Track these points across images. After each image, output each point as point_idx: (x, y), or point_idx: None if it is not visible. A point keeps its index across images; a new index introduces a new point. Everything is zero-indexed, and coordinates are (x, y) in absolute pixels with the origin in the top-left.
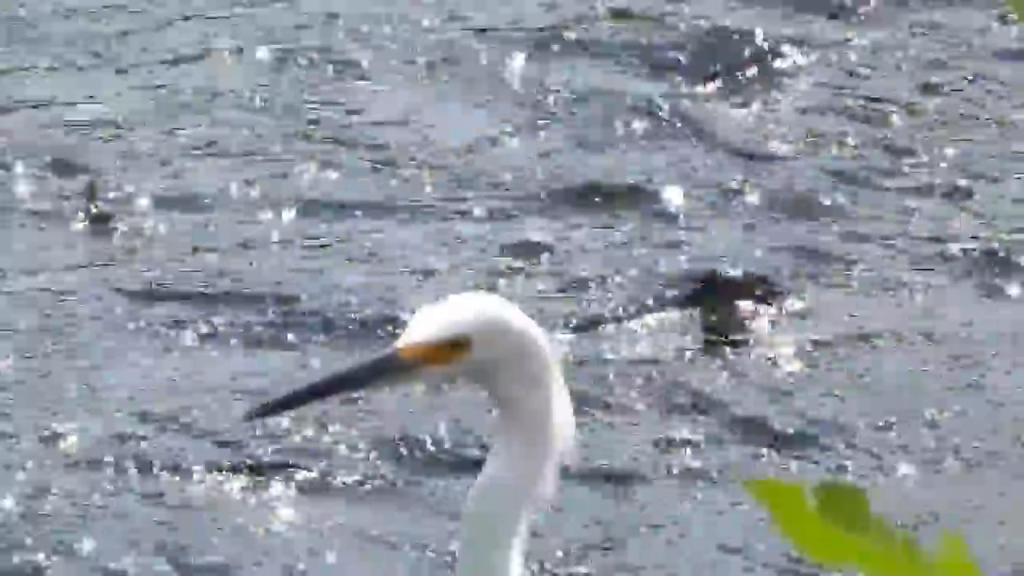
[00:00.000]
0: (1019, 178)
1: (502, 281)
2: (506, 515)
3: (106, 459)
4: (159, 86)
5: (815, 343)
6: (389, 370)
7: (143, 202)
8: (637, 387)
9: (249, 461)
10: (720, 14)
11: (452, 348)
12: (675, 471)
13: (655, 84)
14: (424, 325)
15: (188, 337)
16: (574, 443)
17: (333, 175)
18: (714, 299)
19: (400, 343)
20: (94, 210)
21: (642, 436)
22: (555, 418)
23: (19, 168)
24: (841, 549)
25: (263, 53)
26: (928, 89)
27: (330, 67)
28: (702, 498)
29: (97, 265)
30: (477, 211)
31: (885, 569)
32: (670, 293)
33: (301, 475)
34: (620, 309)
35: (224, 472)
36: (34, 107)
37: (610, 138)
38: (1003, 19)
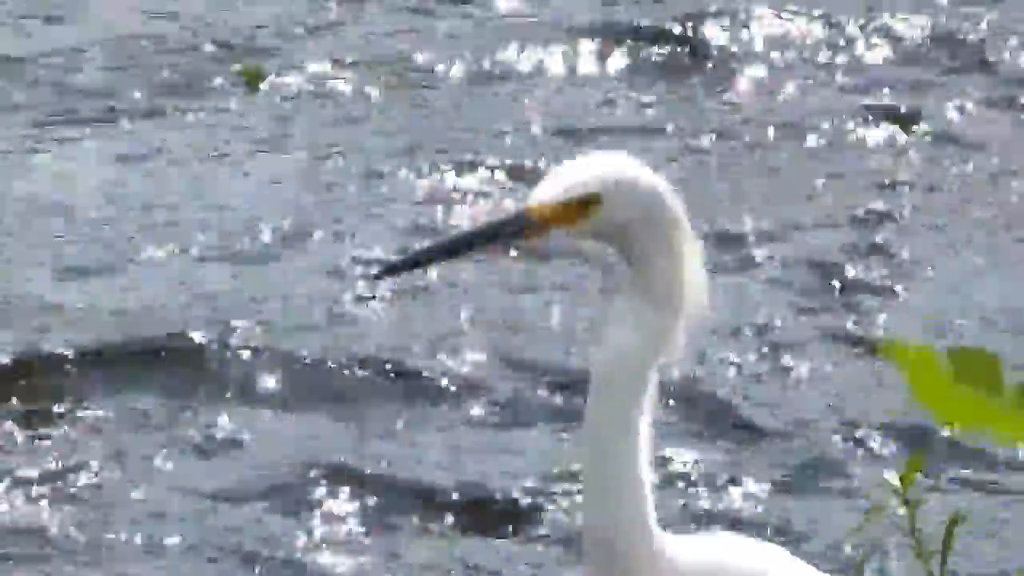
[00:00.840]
0: None
1: None
2: (633, 379)
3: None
4: None
5: None
6: (518, 229)
7: None
8: None
9: None
10: None
11: (581, 207)
12: None
13: None
14: (553, 184)
15: None
16: (706, 304)
17: None
18: None
19: (529, 201)
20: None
21: None
22: (685, 278)
23: None
24: (973, 411)
25: None
26: None
27: None
28: None
29: None
30: None
31: (1017, 432)
32: None
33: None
34: None
35: None
36: None
37: None
38: None
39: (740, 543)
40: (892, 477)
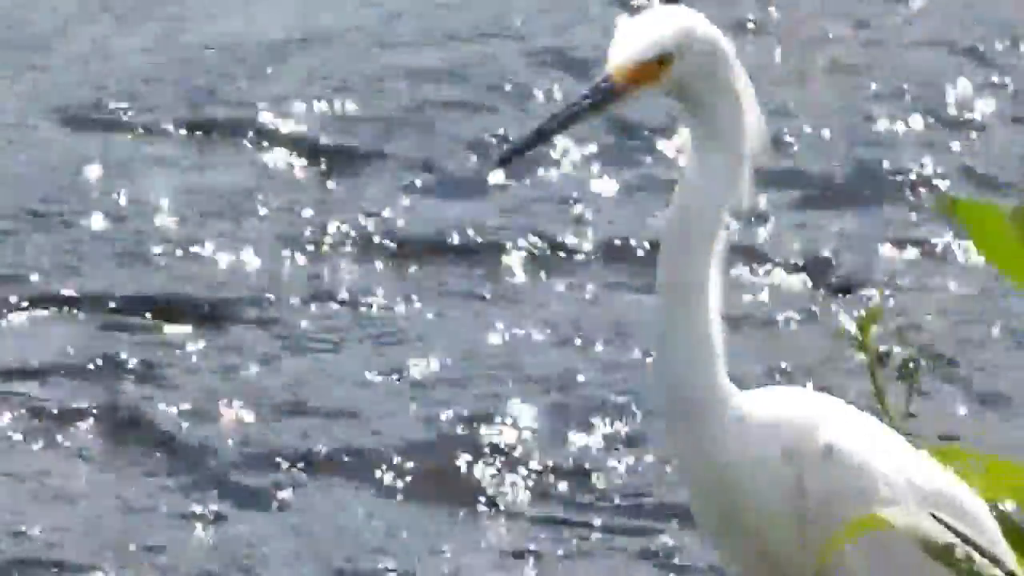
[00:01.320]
0: None
1: None
2: (705, 217)
3: None
4: None
5: None
6: (606, 97)
7: None
8: None
9: None
10: None
11: (659, 64)
12: None
13: None
14: (629, 45)
15: None
16: (766, 143)
17: None
18: None
19: (610, 66)
20: None
21: None
22: (747, 119)
23: None
24: None
25: None
26: None
27: None
28: None
29: None
30: None
31: None
32: None
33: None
34: None
35: None
36: None
37: None
38: None
39: (806, 397)
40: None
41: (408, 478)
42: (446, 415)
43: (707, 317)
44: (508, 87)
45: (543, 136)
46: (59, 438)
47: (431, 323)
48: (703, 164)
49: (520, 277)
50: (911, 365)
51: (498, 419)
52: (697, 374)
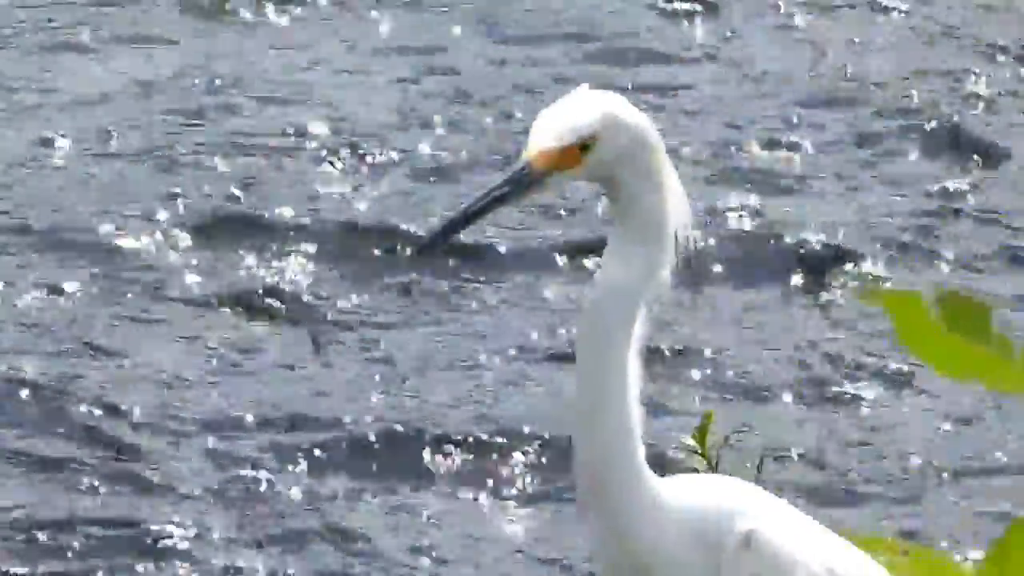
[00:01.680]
0: None
1: None
2: (622, 307)
3: None
4: None
5: None
6: (524, 184)
7: None
8: None
9: None
10: None
11: (580, 149)
12: None
13: None
14: (549, 131)
15: None
16: (690, 228)
17: None
18: None
19: (530, 153)
20: None
21: None
22: (670, 208)
23: None
24: (962, 359)
25: None
26: None
27: None
28: None
29: None
30: None
31: (1006, 381)
32: None
33: None
34: None
35: None
36: None
37: None
38: None
39: (725, 483)
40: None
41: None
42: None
43: (626, 402)
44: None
45: (461, 224)
46: None
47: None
48: (623, 253)
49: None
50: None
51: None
52: (615, 458)
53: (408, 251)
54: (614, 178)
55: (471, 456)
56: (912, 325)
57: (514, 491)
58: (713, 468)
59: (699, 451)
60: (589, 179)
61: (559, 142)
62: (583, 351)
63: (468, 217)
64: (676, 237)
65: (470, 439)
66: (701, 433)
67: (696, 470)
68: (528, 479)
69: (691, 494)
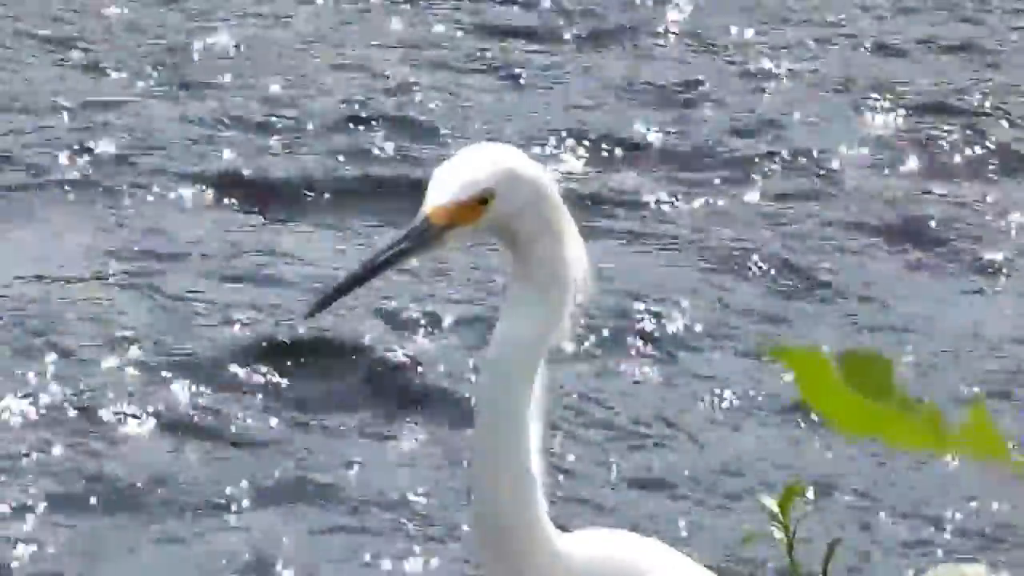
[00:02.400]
0: None
1: None
2: (525, 363)
3: None
4: None
5: None
6: (424, 239)
7: None
8: None
9: None
10: None
11: (478, 203)
12: None
13: None
14: (447, 186)
15: None
16: (587, 282)
17: None
18: None
19: (427, 208)
20: None
21: None
22: (568, 259)
23: None
24: (865, 417)
25: None
26: None
27: None
28: None
29: None
30: None
31: (909, 438)
32: None
33: None
34: None
35: None
36: None
37: None
38: None
39: (628, 540)
40: (770, 502)
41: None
42: None
43: (526, 456)
44: None
45: (358, 282)
46: None
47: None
48: (522, 305)
49: None
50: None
51: None
52: (516, 513)
53: (295, 314)
54: (513, 230)
55: None
56: (815, 383)
57: None
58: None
59: (780, 520)
60: (488, 232)
61: (457, 197)
62: (484, 406)
63: (365, 274)
64: (576, 286)
65: None
66: (784, 504)
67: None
68: None
69: (592, 549)
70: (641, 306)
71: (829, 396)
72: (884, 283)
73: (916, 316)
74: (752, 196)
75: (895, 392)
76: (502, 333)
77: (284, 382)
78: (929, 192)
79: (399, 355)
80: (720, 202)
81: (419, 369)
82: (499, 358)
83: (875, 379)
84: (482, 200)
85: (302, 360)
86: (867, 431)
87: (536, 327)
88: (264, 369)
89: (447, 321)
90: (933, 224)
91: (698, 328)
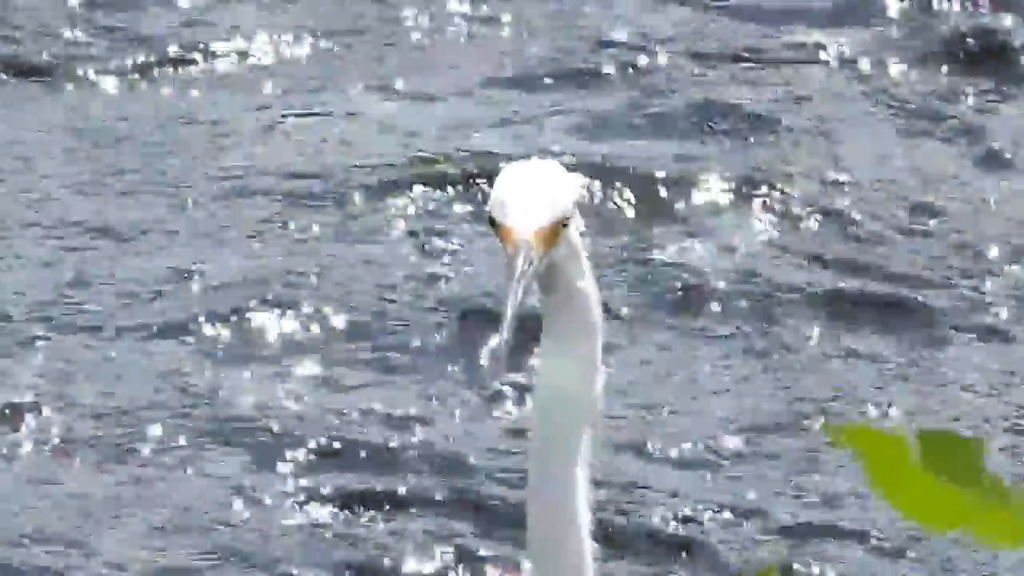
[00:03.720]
0: None
1: None
2: (578, 419)
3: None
4: None
5: None
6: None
7: None
8: None
9: None
10: None
11: (561, 228)
12: None
13: None
14: (539, 204)
15: None
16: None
17: None
18: None
19: (523, 232)
20: None
21: None
22: (595, 294)
23: None
24: (950, 509)
25: None
26: None
27: None
28: None
29: None
30: None
31: (1003, 533)
32: None
33: None
34: None
35: None
36: None
37: None
38: None
39: None
40: None
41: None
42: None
43: (582, 525)
44: None
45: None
46: None
47: None
48: (564, 352)
49: None
50: None
51: None
52: None
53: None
54: (556, 264)
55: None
56: (888, 469)
57: None
58: None
59: None
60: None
61: (549, 217)
62: (539, 476)
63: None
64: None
65: None
66: None
67: None
68: None
69: None
70: None
71: (905, 484)
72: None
73: None
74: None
75: (985, 479)
76: (548, 387)
77: None
78: None
79: None
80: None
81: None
82: (550, 417)
83: (960, 463)
84: (564, 223)
85: None
86: (952, 525)
87: (583, 374)
88: None
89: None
90: None
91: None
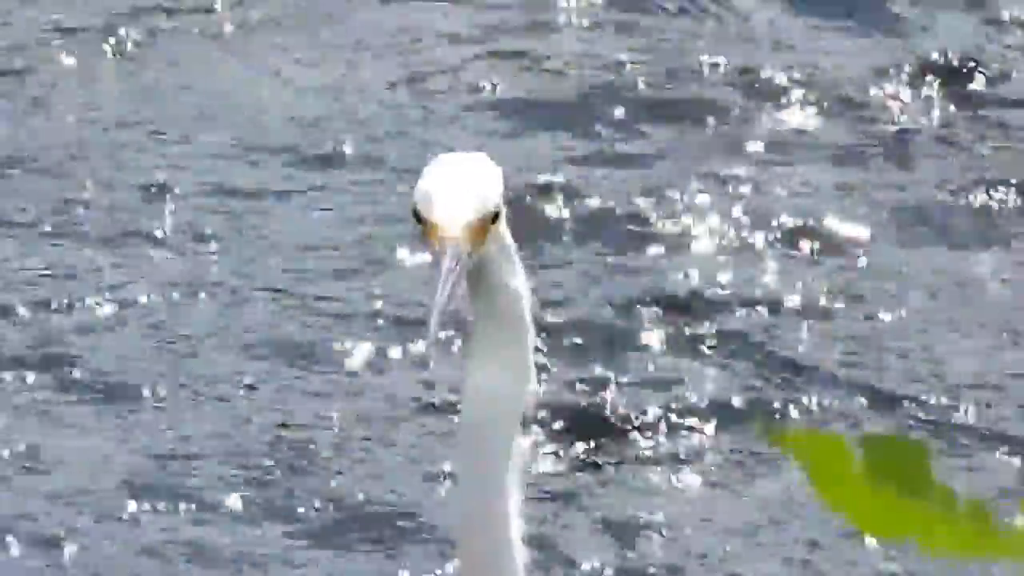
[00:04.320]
0: None
1: None
2: (509, 424)
3: None
4: None
5: None
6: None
7: None
8: None
9: None
10: None
11: (490, 224)
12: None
13: None
14: (463, 201)
15: None
16: (535, 313)
17: None
18: None
19: (450, 228)
20: None
21: None
22: (525, 290)
23: None
24: (895, 516)
25: None
26: None
27: None
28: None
29: None
30: None
31: (948, 541)
32: None
33: None
34: None
35: None
36: None
37: None
38: None
39: None
40: None
41: None
42: None
43: (512, 532)
44: None
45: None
46: None
47: None
48: (493, 353)
49: None
50: None
51: None
52: None
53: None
54: (485, 261)
55: None
56: (831, 475)
57: None
58: None
59: None
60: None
61: (478, 212)
62: (468, 479)
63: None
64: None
65: None
66: None
67: None
68: None
69: None
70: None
71: (849, 491)
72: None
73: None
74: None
75: (932, 485)
76: (477, 390)
77: None
78: None
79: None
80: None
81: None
82: (480, 423)
83: (906, 469)
84: (494, 219)
85: None
86: (898, 533)
87: (516, 374)
88: None
89: None
90: None
91: None
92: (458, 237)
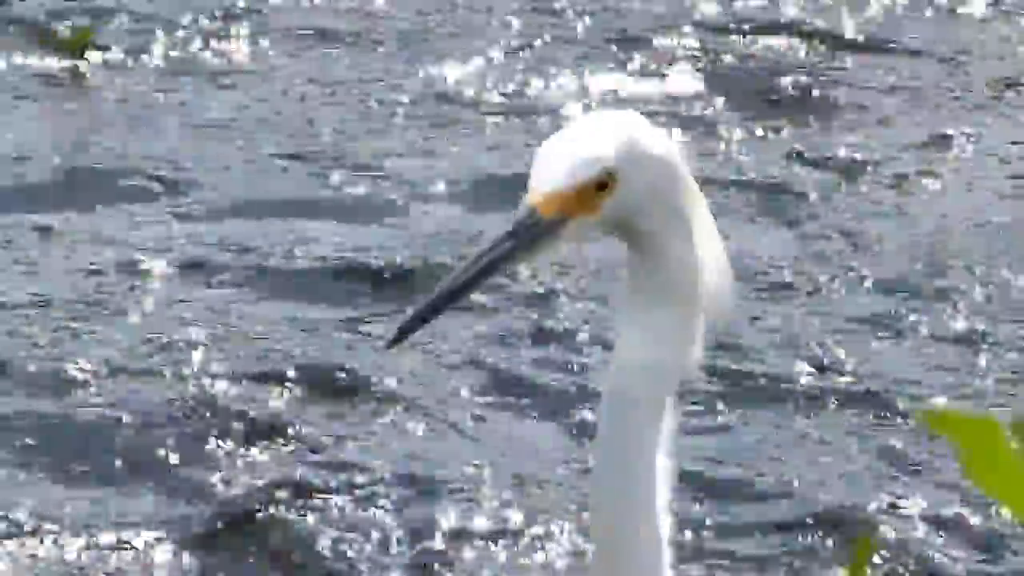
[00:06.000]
0: None
1: None
2: (654, 398)
3: None
4: None
5: None
6: (532, 236)
7: None
8: None
9: None
10: None
11: (597, 189)
12: None
13: None
14: (558, 166)
15: None
16: (729, 293)
17: None
18: None
19: (535, 197)
20: None
21: None
22: (705, 263)
23: None
24: None
25: None
26: None
27: None
28: None
29: None
30: None
31: None
32: None
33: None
34: None
35: None
36: None
37: None
38: None
39: None
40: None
41: None
42: None
43: (654, 514)
44: None
45: (449, 299)
46: None
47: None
48: (647, 321)
49: None
50: None
51: None
52: None
53: (381, 342)
54: (636, 225)
55: None
56: (982, 456)
57: None
58: None
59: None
60: (604, 228)
61: (573, 180)
62: (604, 449)
63: (457, 290)
64: (712, 296)
65: None
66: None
67: None
68: None
69: None
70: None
71: (1001, 472)
72: None
73: None
74: None
75: None
76: (624, 359)
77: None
78: None
79: None
80: None
81: None
82: (623, 392)
83: None
84: (601, 184)
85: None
86: None
87: (664, 351)
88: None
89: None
90: None
91: None
92: (534, 206)
